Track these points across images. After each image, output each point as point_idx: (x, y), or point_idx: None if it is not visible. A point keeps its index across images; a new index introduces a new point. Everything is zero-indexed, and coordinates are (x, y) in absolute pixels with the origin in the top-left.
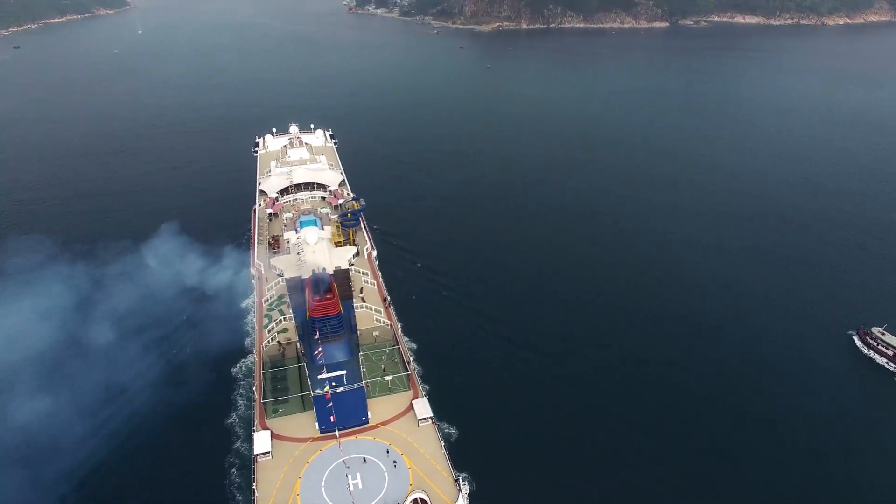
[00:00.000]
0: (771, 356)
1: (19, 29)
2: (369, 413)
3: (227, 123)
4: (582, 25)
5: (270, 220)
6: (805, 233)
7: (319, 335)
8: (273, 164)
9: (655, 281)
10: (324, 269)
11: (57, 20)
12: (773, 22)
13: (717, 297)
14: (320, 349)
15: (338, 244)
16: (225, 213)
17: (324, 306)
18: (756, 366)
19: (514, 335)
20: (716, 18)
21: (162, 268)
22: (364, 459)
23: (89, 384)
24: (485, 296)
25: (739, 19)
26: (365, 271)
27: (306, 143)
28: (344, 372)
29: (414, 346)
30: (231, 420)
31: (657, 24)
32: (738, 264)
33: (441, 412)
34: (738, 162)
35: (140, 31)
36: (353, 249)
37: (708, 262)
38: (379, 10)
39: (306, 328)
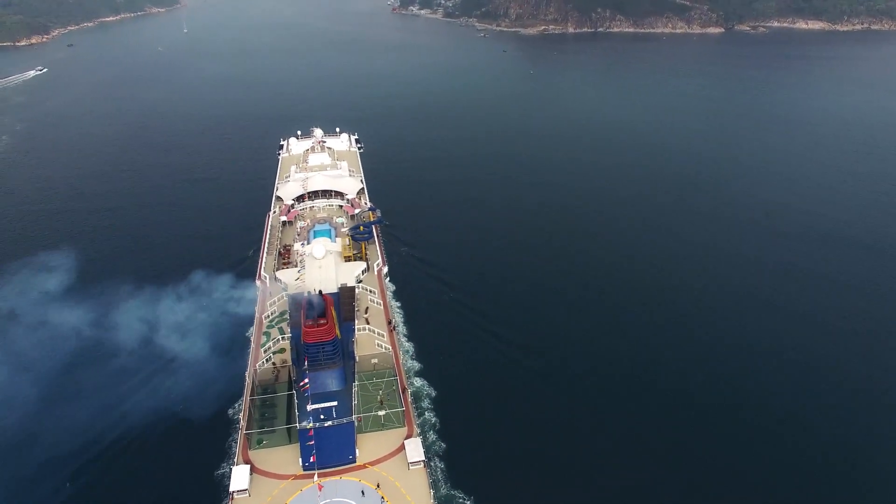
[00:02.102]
0: (832, 397)
1: (76, 27)
2: (357, 451)
3: (260, 124)
4: (631, 30)
5: (284, 227)
6: (885, 262)
7: (310, 363)
8: (293, 168)
9: (721, 305)
10: (319, 291)
11: (111, 18)
12: (839, 27)
13: (774, 322)
14: (306, 380)
15: (348, 259)
16: (243, 220)
17: (316, 332)
18: (811, 403)
19: (556, 379)
20: (775, 24)
21: (163, 291)
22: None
23: (60, 433)
24: (523, 332)
25: (802, 25)
26: (373, 289)
27: (328, 148)
28: (335, 403)
29: (433, 392)
30: (222, 471)
31: (711, 30)
32: (802, 290)
33: (447, 466)
34: (805, 180)
35: (185, 30)
36: (363, 265)
37: (770, 284)
38: (422, 11)
39: (300, 352)
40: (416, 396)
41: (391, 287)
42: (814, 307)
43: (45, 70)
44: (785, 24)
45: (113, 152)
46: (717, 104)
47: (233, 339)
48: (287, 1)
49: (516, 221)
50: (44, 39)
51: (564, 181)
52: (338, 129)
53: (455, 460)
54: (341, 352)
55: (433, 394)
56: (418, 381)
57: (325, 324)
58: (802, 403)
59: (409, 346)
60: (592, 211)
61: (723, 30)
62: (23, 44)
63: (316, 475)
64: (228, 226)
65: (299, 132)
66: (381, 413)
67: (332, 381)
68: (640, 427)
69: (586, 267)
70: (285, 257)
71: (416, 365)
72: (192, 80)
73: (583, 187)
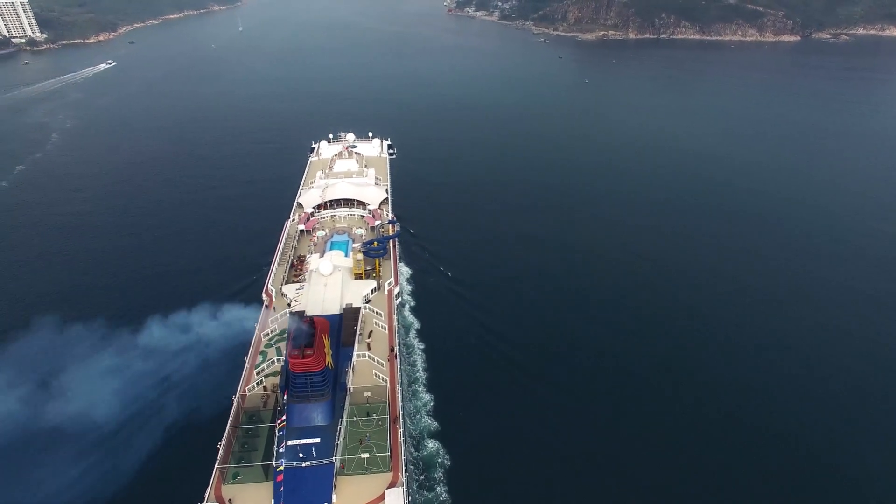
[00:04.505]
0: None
1: (142, 24)
2: (335, 496)
3: (299, 124)
4: (697, 37)
5: (301, 237)
6: None
7: (292, 394)
8: (319, 174)
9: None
10: (310, 318)
11: (175, 16)
12: None
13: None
14: (283, 418)
15: (358, 276)
16: (267, 226)
17: (301, 363)
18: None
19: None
20: (861, 31)
21: (164, 301)
22: None
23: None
24: (577, 393)
25: (893, 32)
26: (380, 311)
27: (357, 154)
28: (317, 441)
29: (447, 461)
30: None
31: (785, 38)
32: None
33: None
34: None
35: (241, 29)
36: (373, 284)
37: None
38: (478, 13)
39: (289, 379)
40: (427, 464)
41: (415, 323)
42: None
43: (114, 63)
44: (872, 32)
45: (149, 152)
46: (794, 123)
47: (230, 359)
48: (344, 0)
49: (568, 245)
50: (111, 36)
51: (618, 200)
52: (370, 134)
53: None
54: (331, 383)
55: (448, 463)
56: (431, 444)
57: (311, 354)
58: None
59: (427, 398)
60: (655, 235)
61: (799, 38)
62: (91, 41)
63: None
64: (251, 232)
65: (331, 135)
66: (366, 456)
67: (317, 416)
68: None
69: (655, 307)
70: (298, 269)
71: (432, 424)
72: (240, 79)
73: (636, 205)
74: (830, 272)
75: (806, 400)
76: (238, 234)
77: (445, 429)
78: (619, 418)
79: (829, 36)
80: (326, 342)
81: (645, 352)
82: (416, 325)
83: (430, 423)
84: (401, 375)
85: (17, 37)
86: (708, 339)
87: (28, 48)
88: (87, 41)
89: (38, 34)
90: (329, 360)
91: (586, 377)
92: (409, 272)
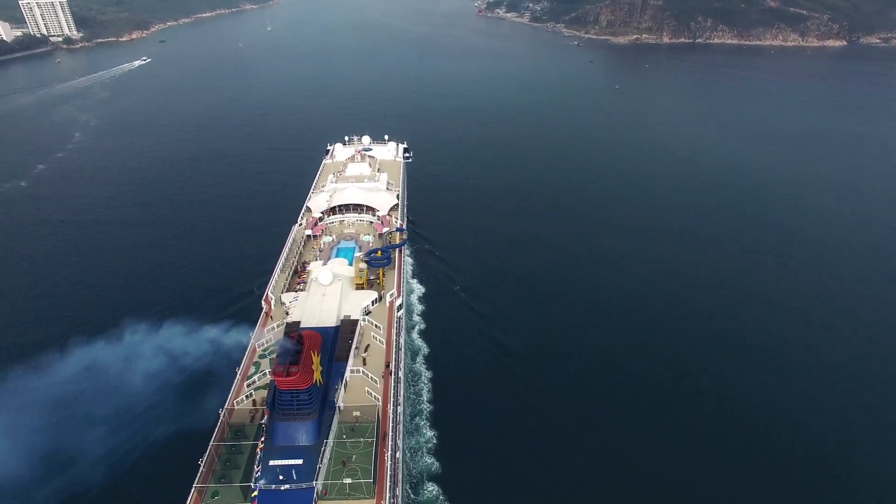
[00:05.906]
0: None
1: (175, 23)
2: None
3: (318, 126)
4: (735, 42)
5: (308, 242)
6: None
7: (275, 413)
8: (330, 177)
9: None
10: (299, 334)
11: (207, 14)
12: None
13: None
14: (262, 440)
15: (360, 286)
16: (277, 230)
17: (286, 381)
18: None
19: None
20: None
21: (162, 308)
22: None
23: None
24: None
25: None
26: (379, 325)
27: (371, 157)
28: (300, 462)
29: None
30: None
31: (829, 43)
32: None
33: None
34: None
35: (269, 28)
36: (374, 295)
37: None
38: (509, 15)
39: (275, 395)
40: None
41: (424, 348)
42: None
43: (149, 60)
44: None
45: (167, 153)
46: (842, 137)
47: (223, 370)
48: (373, 0)
49: (596, 256)
50: (143, 35)
51: (654, 207)
52: (386, 137)
53: None
54: (318, 400)
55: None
56: (431, 488)
57: (295, 372)
58: None
59: (430, 434)
60: (689, 257)
61: (844, 43)
62: (124, 39)
63: None
64: (264, 235)
65: (346, 137)
66: (348, 481)
67: (301, 435)
68: None
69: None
70: (301, 276)
71: (434, 464)
72: (262, 78)
73: (667, 213)
74: (843, 276)
75: (806, 400)
76: (251, 237)
77: (448, 471)
78: (651, 460)
79: (878, 40)
80: (315, 358)
81: (664, 362)
82: (425, 349)
83: (431, 462)
84: (398, 395)
85: (54, 35)
86: (711, 341)
87: (64, 46)
88: (120, 39)
89: (75, 32)
90: (318, 376)
91: (607, 409)
92: (422, 290)
